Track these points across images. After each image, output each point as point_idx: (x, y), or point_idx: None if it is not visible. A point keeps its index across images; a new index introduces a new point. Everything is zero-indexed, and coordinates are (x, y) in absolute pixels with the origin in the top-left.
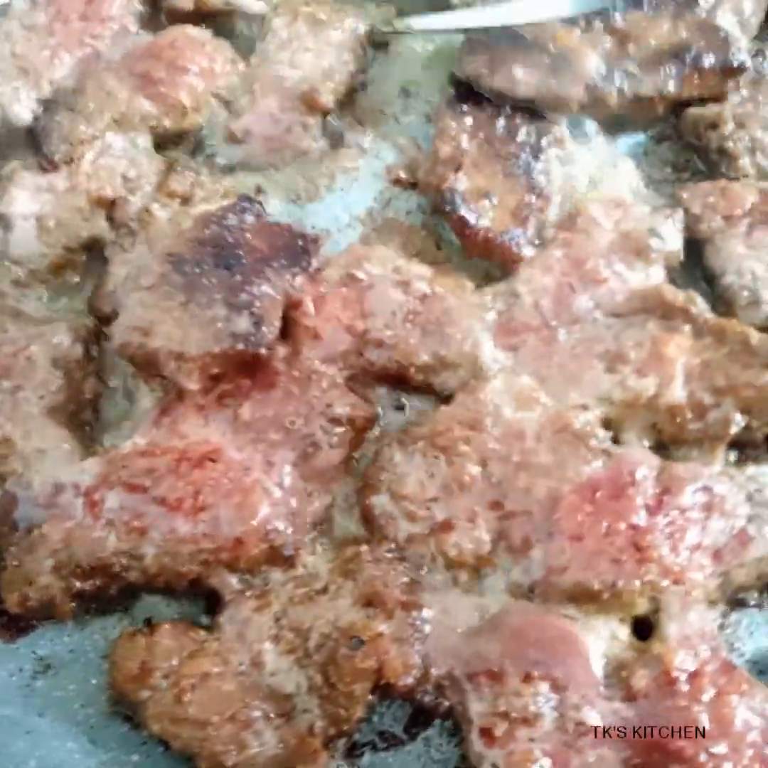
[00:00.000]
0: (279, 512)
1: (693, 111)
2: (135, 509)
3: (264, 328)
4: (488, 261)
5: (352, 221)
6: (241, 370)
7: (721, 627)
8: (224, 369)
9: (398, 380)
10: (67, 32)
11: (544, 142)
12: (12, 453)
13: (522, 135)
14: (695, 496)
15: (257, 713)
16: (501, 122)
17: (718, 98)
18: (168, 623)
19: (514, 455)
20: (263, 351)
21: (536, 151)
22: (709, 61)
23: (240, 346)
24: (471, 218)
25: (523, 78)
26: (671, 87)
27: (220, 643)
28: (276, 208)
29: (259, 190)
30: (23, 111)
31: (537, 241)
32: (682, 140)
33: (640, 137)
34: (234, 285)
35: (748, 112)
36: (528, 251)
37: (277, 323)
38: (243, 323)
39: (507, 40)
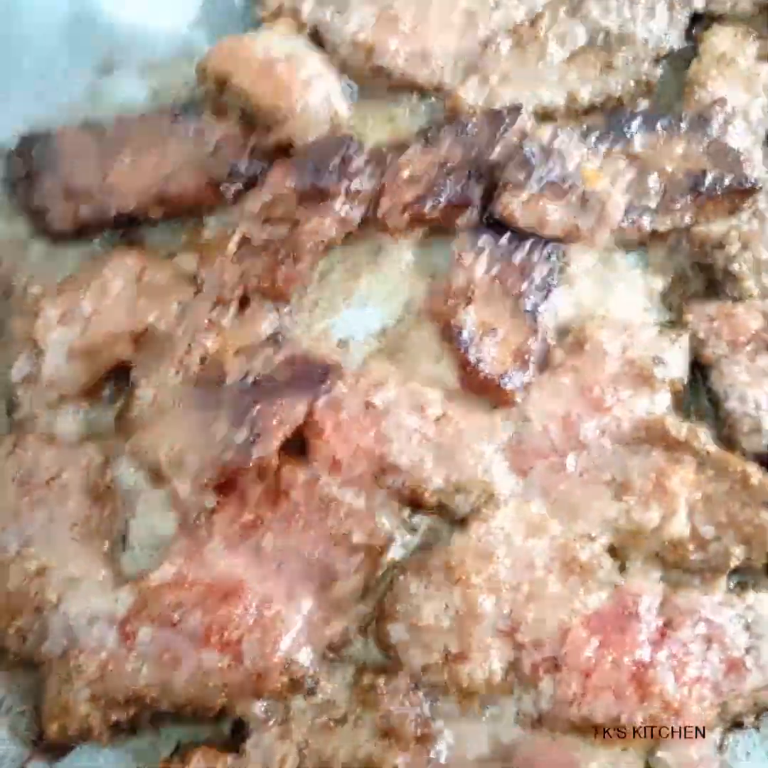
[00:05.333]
0: (299, 643)
1: (699, 230)
2: (165, 643)
3: (258, 444)
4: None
5: (368, 338)
6: (263, 499)
7: (720, 748)
8: (217, 480)
9: (413, 503)
10: None
11: (554, 280)
12: (48, 584)
13: (535, 273)
14: (696, 627)
15: None
16: (518, 256)
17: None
18: (199, 751)
19: (524, 586)
20: (250, 465)
21: (546, 291)
22: (723, 186)
23: (228, 456)
24: (473, 358)
25: (552, 217)
26: (688, 219)
27: None
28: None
29: None
30: None
31: (537, 376)
32: (690, 251)
33: (645, 252)
34: (243, 404)
35: (753, 230)
36: (521, 396)
37: (276, 442)
38: (239, 437)
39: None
